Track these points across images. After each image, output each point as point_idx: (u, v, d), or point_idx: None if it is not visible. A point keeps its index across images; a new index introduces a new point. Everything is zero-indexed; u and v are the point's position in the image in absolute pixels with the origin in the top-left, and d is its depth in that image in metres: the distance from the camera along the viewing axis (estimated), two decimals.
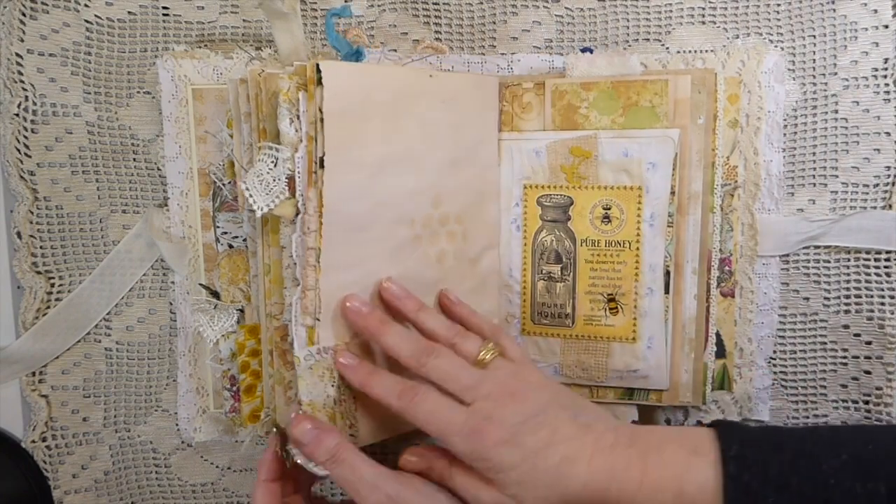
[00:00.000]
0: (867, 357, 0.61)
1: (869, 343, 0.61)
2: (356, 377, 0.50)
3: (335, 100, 0.49)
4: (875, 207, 0.60)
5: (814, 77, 0.60)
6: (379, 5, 0.61)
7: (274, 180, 0.49)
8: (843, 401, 0.62)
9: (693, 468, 0.46)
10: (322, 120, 0.48)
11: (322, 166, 0.49)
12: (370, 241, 0.52)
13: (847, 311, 0.61)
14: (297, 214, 0.50)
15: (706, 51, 0.60)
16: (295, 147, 0.49)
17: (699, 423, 0.62)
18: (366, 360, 0.52)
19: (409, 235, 0.55)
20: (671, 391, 0.59)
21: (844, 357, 0.61)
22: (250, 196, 0.49)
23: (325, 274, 0.50)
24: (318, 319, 0.50)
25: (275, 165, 0.49)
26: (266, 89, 0.50)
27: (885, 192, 0.60)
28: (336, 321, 0.51)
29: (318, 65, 0.48)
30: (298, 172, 0.49)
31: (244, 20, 0.60)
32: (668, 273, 0.58)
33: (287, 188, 0.49)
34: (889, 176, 0.60)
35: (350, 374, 0.50)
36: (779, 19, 0.60)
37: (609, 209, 0.58)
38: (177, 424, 0.63)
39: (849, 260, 0.61)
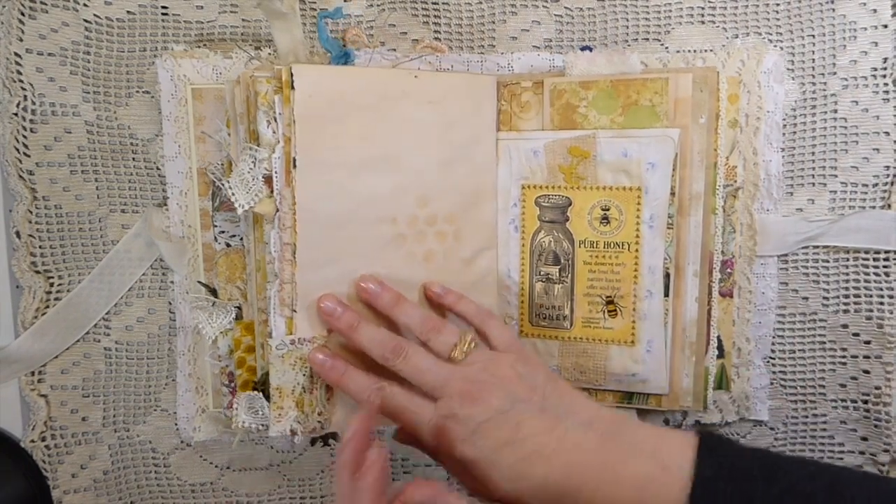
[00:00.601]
0: (866, 356, 0.61)
1: (868, 342, 0.61)
2: (329, 376, 0.53)
3: (307, 103, 0.51)
4: (874, 207, 0.60)
5: (813, 77, 0.60)
6: (378, 5, 0.60)
7: (253, 179, 0.52)
8: (842, 400, 0.62)
9: (657, 482, 0.46)
10: (295, 122, 0.51)
11: (296, 166, 0.51)
12: (349, 238, 0.54)
13: (846, 311, 0.61)
14: (276, 212, 0.52)
15: (706, 50, 0.60)
16: (272, 148, 0.52)
17: (696, 423, 0.63)
18: (344, 351, 0.54)
19: (392, 235, 0.56)
20: (671, 395, 0.59)
21: (843, 356, 0.61)
22: (233, 195, 0.52)
23: (302, 269, 0.53)
24: (295, 311, 0.53)
25: (254, 165, 0.52)
26: (254, 91, 0.52)
27: (884, 191, 0.60)
28: (313, 314, 0.54)
29: (291, 68, 0.51)
30: (276, 172, 0.52)
31: (243, 20, 0.60)
32: (667, 275, 0.58)
33: (266, 187, 0.52)
34: (888, 175, 0.60)
35: (323, 373, 0.53)
36: (778, 19, 0.60)
37: (608, 210, 0.58)
38: (176, 424, 0.63)
39: (847, 260, 0.61)
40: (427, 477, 0.65)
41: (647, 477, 0.46)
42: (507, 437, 0.48)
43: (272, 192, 0.52)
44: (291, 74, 0.51)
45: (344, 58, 0.55)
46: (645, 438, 0.48)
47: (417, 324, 0.53)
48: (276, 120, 0.52)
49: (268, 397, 0.54)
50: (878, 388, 0.61)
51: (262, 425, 0.55)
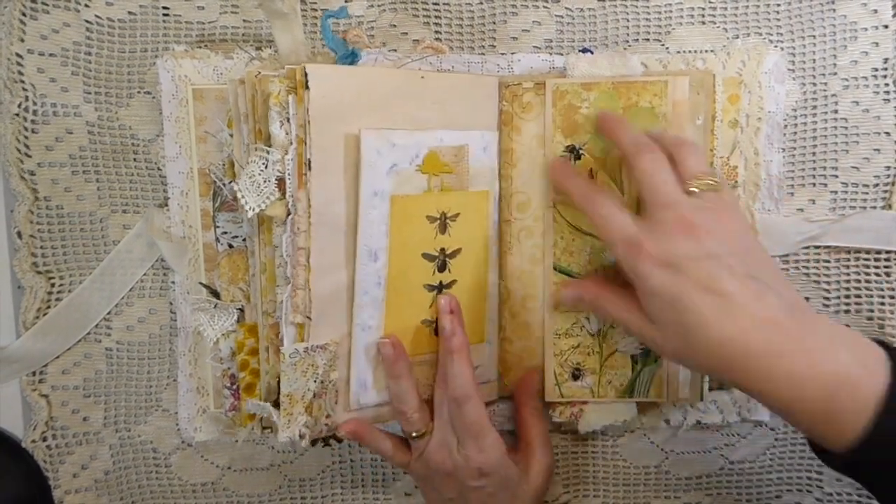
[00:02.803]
0: None
1: None
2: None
3: (321, 103, 0.50)
4: (875, 207, 0.60)
5: (814, 77, 0.60)
6: (379, 5, 0.61)
7: (265, 182, 0.51)
8: None
9: (853, 381, 0.43)
10: (310, 122, 0.50)
11: (310, 168, 0.50)
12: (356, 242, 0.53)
13: (847, 311, 0.61)
14: (287, 215, 0.51)
15: (706, 51, 0.60)
16: (285, 149, 0.50)
17: (697, 423, 0.63)
18: None
19: None
20: (671, 388, 0.59)
21: None
22: (242, 197, 0.51)
23: (316, 274, 0.52)
24: (309, 318, 0.52)
25: (266, 167, 0.51)
26: (261, 91, 0.51)
27: (885, 191, 0.60)
28: (326, 320, 0.53)
29: (304, 68, 0.50)
30: (288, 174, 0.50)
31: (244, 20, 0.60)
32: None
33: (277, 189, 0.51)
34: (889, 176, 0.60)
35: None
36: (779, 19, 0.60)
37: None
38: (177, 424, 0.63)
39: (849, 260, 0.61)
40: None
41: (846, 372, 0.43)
42: (703, 283, 0.46)
43: (284, 194, 0.51)
44: (305, 74, 0.50)
45: (351, 57, 0.54)
46: (844, 333, 0.46)
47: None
48: (289, 121, 0.50)
49: (277, 406, 0.54)
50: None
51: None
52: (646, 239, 0.48)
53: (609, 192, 0.53)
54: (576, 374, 0.60)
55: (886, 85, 0.59)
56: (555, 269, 0.60)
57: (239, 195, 0.51)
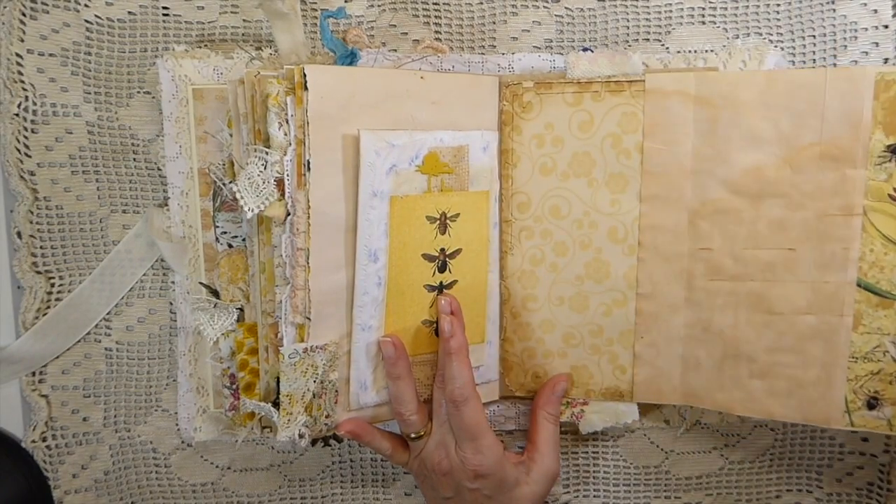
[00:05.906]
0: None
1: None
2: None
3: (319, 104, 0.50)
4: None
5: None
6: (379, 5, 0.60)
7: (264, 182, 0.51)
8: None
9: None
10: (309, 123, 0.50)
11: (309, 168, 0.50)
12: (354, 242, 0.53)
13: None
14: (287, 216, 0.51)
15: (706, 51, 0.60)
16: (284, 150, 0.51)
17: (697, 423, 0.62)
18: None
19: None
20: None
21: None
22: (241, 198, 0.51)
23: (315, 274, 0.52)
24: (309, 318, 0.52)
25: (265, 168, 0.51)
26: (260, 91, 0.51)
27: None
28: (325, 321, 0.53)
29: (303, 69, 0.50)
30: (287, 175, 0.51)
31: (244, 20, 0.60)
32: None
33: (276, 190, 0.51)
34: None
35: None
36: (779, 19, 0.60)
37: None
38: (177, 424, 0.63)
39: None
40: None
41: None
42: None
43: (283, 194, 0.51)
44: (304, 75, 0.50)
45: (350, 58, 0.54)
46: None
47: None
48: (287, 122, 0.51)
49: (277, 406, 0.54)
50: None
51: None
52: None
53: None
54: (872, 404, 0.54)
55: None
56: (858, 284, 0.53)
57: (238, 196, 0.51)
